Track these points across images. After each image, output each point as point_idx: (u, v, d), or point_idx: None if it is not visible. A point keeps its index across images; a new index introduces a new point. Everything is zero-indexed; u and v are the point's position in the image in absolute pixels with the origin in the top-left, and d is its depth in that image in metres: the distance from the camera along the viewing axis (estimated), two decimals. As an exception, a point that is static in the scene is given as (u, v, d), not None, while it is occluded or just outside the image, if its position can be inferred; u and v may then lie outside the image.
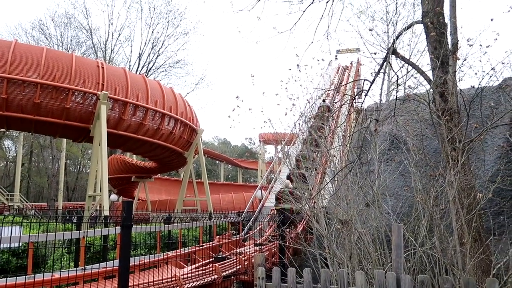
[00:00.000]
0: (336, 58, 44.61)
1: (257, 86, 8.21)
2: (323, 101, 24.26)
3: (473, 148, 6.67)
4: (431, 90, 7.54)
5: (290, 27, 10.69)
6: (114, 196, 34.14)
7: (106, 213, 14.84)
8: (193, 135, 24.37)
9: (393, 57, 8.34)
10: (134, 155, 33.60)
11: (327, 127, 11.19)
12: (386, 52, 8.29)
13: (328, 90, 11.04)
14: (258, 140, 54.83)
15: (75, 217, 12.89)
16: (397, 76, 8.83)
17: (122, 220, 5.10)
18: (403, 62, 8.62)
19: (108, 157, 27.33)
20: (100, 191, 18.51)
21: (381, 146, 7.55)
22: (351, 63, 35.62)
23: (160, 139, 21.45)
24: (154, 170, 30.96)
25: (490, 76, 5.94)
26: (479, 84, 6.09)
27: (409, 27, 10.25)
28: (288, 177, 9.05)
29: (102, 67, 18.68)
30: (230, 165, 68.22)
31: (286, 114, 7.86)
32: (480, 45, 6.25)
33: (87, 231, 8.87)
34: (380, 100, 7.45)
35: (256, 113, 7.72)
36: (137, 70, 43.66)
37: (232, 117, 7.31)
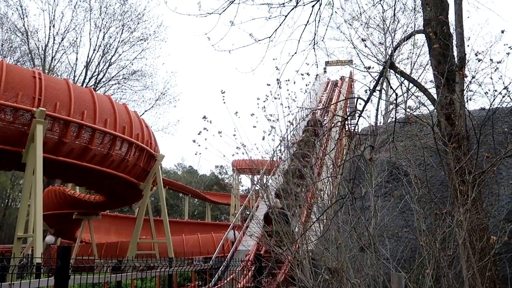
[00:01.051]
0: (325, 72, 45.52)
1: (229, 104, 8.23)
2: (312, 114, 24.49)
3: (485, 181, 6.81)
4: (435, 111, 7.74)
5: (270, 34, 10.91)
6: (50, 238, 33.00)
7: (39, 260, 14.35)
8: (151, 162, 24.15)
9: (391, 72, 8.57)
10: (77, 187, 32.88)
11: (314, 155, 11.26)
12: (383, 65, 8.51)
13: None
14: (231, 169, 54.71)
15: (-1, 265, 12.39)
16: (396, 95, 9.05)
17: (56, 269, 4.93)
18: (402, 78, 8.85)
19: (44, 189, 26.65)
20: (33, 232, 17.93)
21: (377, 178, 7.63)
22: (341, 78, 36.45)
23: (110, 167, 21.14)
24: (102, 205, 30.30)
25: (503, 96, 6.11)
26: (491, 105, 6.23)
27: (409, 37, 10.60)
28: (277, 195, 9.07)
29: (40, 78, 18.44)
30: (196, 199, 67.56)
31: (263, 139, 7.88)
32: (491, 59, 6.46)
33: (12, 284, 8.53)
34: (376, 123, 7.59)
35: (228, 136, 7.72)
36: (83, 82, 43.36)
37: (198, 141, 7.27)
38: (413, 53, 30.14)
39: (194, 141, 7.24)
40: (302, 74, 8.30)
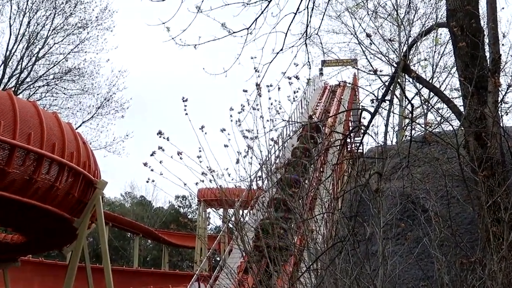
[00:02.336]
0: (321, 74, 45.83)
1: (193, 116, 8.24)
2: (310, 117, 24.60)
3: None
4: (462, 128, 7.85)
5: (249, 25, 11.00)
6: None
7: None
8: (90, 191, 23.84)
9: (405, 76, 8.69)
10: (-11, 223, 32.30)
11: (305, 183, 11.28)
12: (395, 68, 8.62)
13: (307, 123, 11.24)
14: (195, 201, 54.29)
15: None
16: (412, 106, 9.14)
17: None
18: (420, 85, 8.99)
19: None
20: None
21: (387, 215, 7.67)
22: (339, 83, 36.88)
23: (34, 196, 20.78)
24: (22, 248, 29.73)
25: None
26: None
27: (428, 31, 10.80)
28: (257, 237, 9.10)
29: None
30: (150, 240, 66.83)
31: (238, 162, 7.89)
32: (532, 63, 6.62)
33: None
34: (386, 142, 7.65)
35: (192, 159, 7.72)
36: (0, 82, 42.87)
37: (151, 165, 7.23)
38: (434, 52, 30.83)
39: (145, 164, 7.21)
40: (290, 78, 8.36)
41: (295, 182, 11.19)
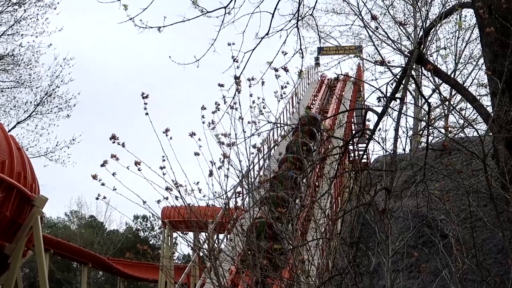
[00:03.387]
0: (317, 64, 45.87)
1: (156, 117, 8.23)
2: (308, 108, 24.48)
3: None
4: (490, 134, 7.89)
5: (226, 3, 10.99)
6: None
7: None
8: (26, 209, 23.69)
9: (420, 69, 8.71)
10: None
11: (296, 201, 11.26)
12: (408, 58, 8.64)
13: (298, 127, 11.19)
14: (158, 222, 53.99)
15: None
16: (429, 106, 9.14)
17: None
18: (439, 80, 9.04)
19: None
20: None
21: (397, 241, 7.68)
22: (338, 77, 36.90)
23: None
24: None
25: None
26: None
27: (449, 13, 10.84)
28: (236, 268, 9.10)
29: None
30: (101, 272, 66.54)
31: (211, 174, 7.85)
32: None
33: None
34: (395, 151, 7.67)
35: (153, 171, 7.67)
36: None
37: (102, 177, 7.17)
38: (457, 38, 30.97)
39: (95, 177, 7.15)
40: (277, 70, 8.35)
41: (297, 167, 11.23)
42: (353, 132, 27.74)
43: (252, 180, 9.63)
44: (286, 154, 17.07)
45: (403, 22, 30.01)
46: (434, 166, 9.27)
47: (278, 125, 13.67)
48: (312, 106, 32.05)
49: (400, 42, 32.72)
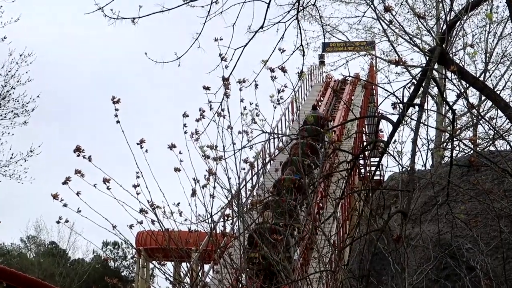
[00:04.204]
0: (322, 63, 45.75)
1: (130, 125, 8.24)
2: (313, 108, 24.44)
3: None
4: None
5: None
6: None
7: None
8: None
9: (442, 70, 8.73)
10: None
11: (296, 225, 11.24)
12: (429, 57, 8.65)
13: (298, 138, 11.21)
14: (132, 251, 53.66)
15: None
16: (453, 114, 9.16)
17: None
18: (465, 83, 9.07)
19: None
20: None
21: (415, 275, 7.70)
22: (346, 79, 36.76)
23: None
24: None
25: None
26: None
27: (477, 4, 10.88)
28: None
29: None
30: (63, 310, 66.26)
31: (194, 194, 7.85)
32: None
33: None
34: (413, 167, 7.69)
35: (126, 190, 7.66)
36: None
37: (64, 197, 7.17)
38: (487, 33, 30.80)
39: (55, 196, 7.14)
40: (273, 70, 8.36)
41: (296, 186, 11.21)
42: (364, 144, 27.74)
43: (243, 201, 9.63)
44: (284, 174, 17.01)
45: (423, 14, 30.02)
46: (459, 185, 9.28)
47: (275, 135, 13.66)
48: (318, 107, 31.93)
49: (421, 38, 32.68)
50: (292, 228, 9.61)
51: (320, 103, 35.92)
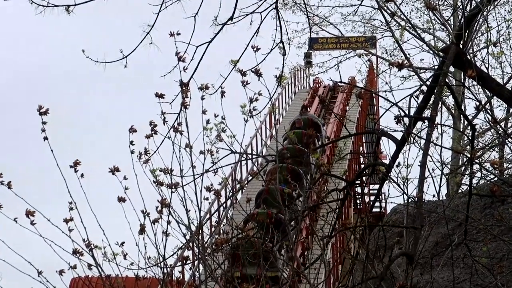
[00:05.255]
0: (308, 63, 45.60)
1: (63, 142, 8.21)
2: (303, 109, 24.50)
3: None
4: None
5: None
6: None
7: None
8: None
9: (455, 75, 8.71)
10: None
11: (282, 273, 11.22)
12: (442, 58, 8.64)
13: (276, 160, 11.16)
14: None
15: None
16: (472, 130, 9.11)
17: None
18: (488, 92, 9.07)
19: None
20: None
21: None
22: (337, 85, 36.60)
23: None
24: None
25: None
26: None
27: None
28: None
29: None
30: None
31: (142, 231, 7.80)
32: None
33: None
34: (422, 197, 7.67)
35: (56, 225, 7.61)
36: None
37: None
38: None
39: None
40: (244, 73, 8.34)
41: (274, 222, 11.14)
42: (361, 167, 27.73)
43: (206, 240, 9.56)
44: (256, 207, 16.94)
45: (435, 4, 30.11)
46: (480, 220, 9.30)
47: (247, 156, 13.57)
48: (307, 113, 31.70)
49: (433, 33, 32.81)
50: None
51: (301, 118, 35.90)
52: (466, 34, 8.69)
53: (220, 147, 8.59)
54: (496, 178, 8.46)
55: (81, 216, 7.69)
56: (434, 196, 8.32)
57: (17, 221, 7.30)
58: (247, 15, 11.55)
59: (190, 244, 8.90)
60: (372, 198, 29.04)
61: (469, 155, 8.16)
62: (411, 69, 8.19)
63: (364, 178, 12.45)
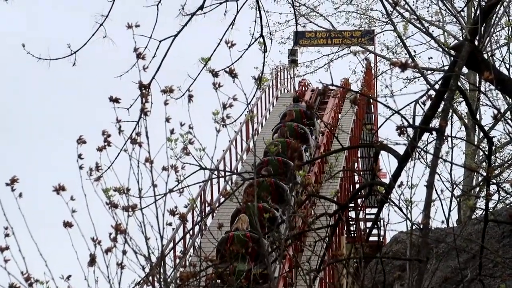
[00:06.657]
0: (293, 62, 45.69)
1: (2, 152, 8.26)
2: (295, 101, 24.69)
3: None
4: None
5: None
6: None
7: None
8: None
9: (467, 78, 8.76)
10: None
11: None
12: (453, 58, 8.70)
13: (254, 178, 11.18)
14: None
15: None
16: (489, 144, 9.18)
17: None
18: (506, 98, 9.12)
19: None
20: None
21: None
22: (326, 88, 36.39)
23: None
24: None
25: None
26: None
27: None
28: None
29: None
30: None
31: (92, 263, 7.81)
32: None
33: None
34: (428, 223, 7.72)
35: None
36: None
37: None
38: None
39: None
40: (217, 74, 8.37)
41: (251, 251, 11.15)
42: (356, 188, 27.77)
43: (170, 273, 9.58)
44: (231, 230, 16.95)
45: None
46: (498, 252, 9.37)
47: (219, 173, 13.58)
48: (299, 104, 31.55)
49: (443, 27, 32.96)
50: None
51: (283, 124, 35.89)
52: (482, 28, 8.75)
53: (186, 162, 8.60)
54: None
55: (19, 244, 7.69)
56: (443, 222, 8.40)
57: None
58: (220, 3, 11.57)
59: (150, 278, 8.90)
60: (369, 224, 29.10)
61: (485, 174, 8.23)
62: (416, 70, 8.19)
63: (359, 201, 12.54)
